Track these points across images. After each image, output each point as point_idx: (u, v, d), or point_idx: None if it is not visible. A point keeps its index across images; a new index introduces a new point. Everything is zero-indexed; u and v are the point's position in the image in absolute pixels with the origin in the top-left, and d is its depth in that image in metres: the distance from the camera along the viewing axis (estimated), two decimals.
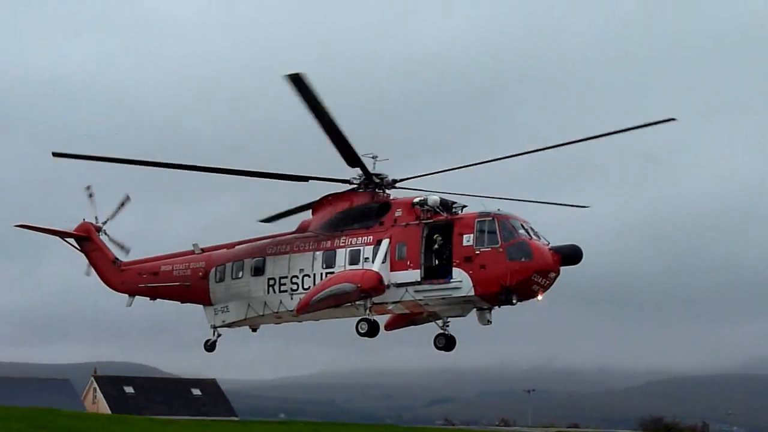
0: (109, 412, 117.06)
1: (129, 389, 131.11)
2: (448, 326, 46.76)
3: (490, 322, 44.83)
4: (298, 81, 39.03)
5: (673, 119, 42.54)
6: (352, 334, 44.05)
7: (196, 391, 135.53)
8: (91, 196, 55.25)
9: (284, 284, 46.88)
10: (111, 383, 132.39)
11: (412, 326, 48.46)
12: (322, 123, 41.62)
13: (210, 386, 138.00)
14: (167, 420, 66.66)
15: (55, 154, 44.09)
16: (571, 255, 42.61)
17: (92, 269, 54.79)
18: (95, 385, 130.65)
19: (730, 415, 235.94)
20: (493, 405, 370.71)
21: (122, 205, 54.88)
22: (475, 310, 45.00)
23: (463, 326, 46.11)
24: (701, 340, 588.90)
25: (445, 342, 46.72)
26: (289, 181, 46.31)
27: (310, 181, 46.53)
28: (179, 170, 45.78)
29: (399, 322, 48.32)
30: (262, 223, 50.21)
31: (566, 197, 49.78)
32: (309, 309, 44.77)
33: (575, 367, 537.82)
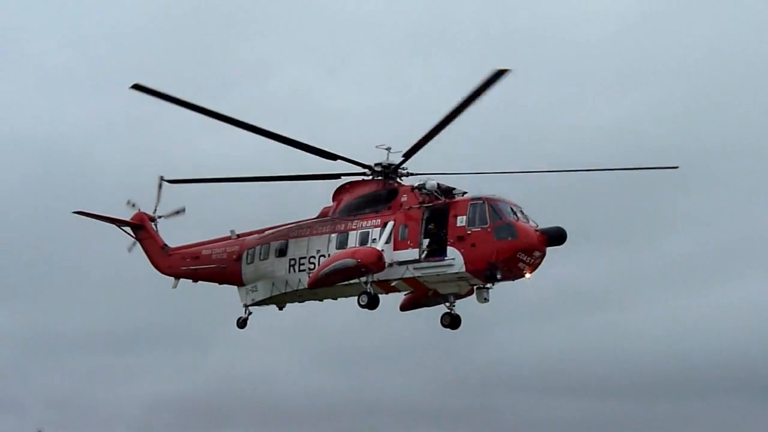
0: None
1: None
2: (454, 306, 50.18)
3: (487, 300, 47.92)
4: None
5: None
6: None
7: None
8: (161, 186, 59.62)
9: (303, 264, 51.06)
10: None
11: (425, 307, 51.89)
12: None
13: None
14: None
15: (134, 87, 43.31)
16: (556, 236, 45.29)
17: (135, 249, 60.00)
18: None
19: None
20: None
21: (177, 213, 59.85)
22: (475, 289, 48.25)
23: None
24: None
25: (451, 320, 50.17)
26: (319, 157, 48.78)
27: (338, 160, 49.10)
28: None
29: (410, 304, 51.87)
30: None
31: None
32: (317, 283, 48.67)
33: None
